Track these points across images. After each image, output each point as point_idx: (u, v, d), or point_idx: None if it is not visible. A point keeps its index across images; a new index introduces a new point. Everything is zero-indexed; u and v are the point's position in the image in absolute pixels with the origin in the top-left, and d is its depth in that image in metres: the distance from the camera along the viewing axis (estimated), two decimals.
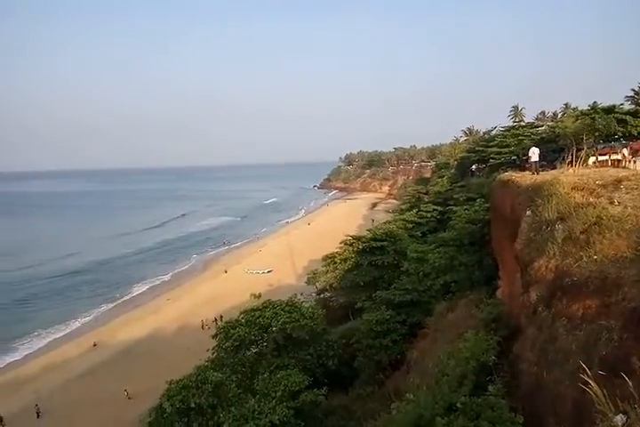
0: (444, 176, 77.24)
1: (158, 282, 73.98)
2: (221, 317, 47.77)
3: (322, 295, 43.13)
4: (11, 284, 71.96)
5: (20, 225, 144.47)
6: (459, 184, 60.03)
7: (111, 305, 62.90)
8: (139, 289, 70.24)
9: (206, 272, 78.10)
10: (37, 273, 79.03)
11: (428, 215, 50.59)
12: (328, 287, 42.52)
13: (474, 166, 65.16)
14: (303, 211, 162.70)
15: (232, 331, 22.80)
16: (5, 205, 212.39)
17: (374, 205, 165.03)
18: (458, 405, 9.00)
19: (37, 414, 34.34)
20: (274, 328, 22.30)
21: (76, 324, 55.90)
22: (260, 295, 51.24)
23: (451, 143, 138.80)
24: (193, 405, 14.79)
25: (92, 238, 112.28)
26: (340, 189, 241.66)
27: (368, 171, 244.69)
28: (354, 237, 40.20)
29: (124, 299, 65.56)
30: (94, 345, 47.81)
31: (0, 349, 48.37)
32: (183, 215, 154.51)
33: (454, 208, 37.01)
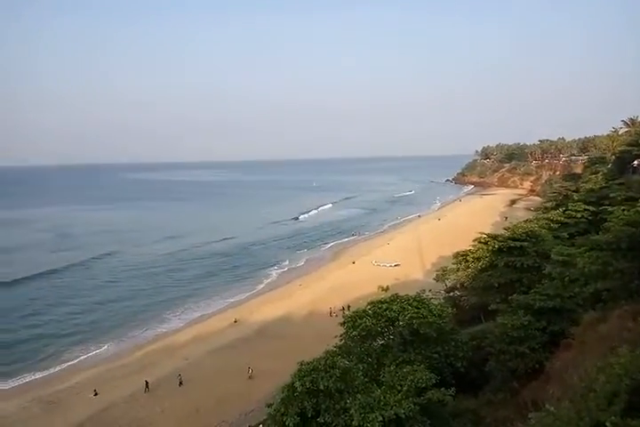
0: (598, 172, 69.56)
1: (292, 268, 78.45)
2: (349, 306, 48.96)
3: (451, 294, 41.75)
4: (169, 264, 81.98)
5: (189, 210, 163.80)
6: (616, 181, 53.51)
7: (250, 286, 68.30)
8: (275, 273, 75.32)
9: (335, 262, 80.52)
10: (193, 254, 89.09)
11: (578, 215, 45.86)
12: (458, 286, 41.05)
13: (636, 162, 57.62)
14: (433, 205, 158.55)
15: (359, 321, 23.19)
16: (170, 193, 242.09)
17: (513, 201, 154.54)
18: (607, 424, 8.17)
19: (180, 382, 38.17)
20: (400, 322, 22.20)
21: (219, 301, 61.77)
22: (387, 288, 51.30)
23: (608, 135, 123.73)
24: (322, 387, 15.41)
25: (243, 224, 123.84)
26: (475, 184, 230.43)
27: (507, 165, 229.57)
28: (489, 236, 38.10)
29: (261, 281, 70.76)
30: (235, 322, 52.38)
31: (158, 319, 55.50)
32: (319, 207, 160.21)
33: (610, 208, 33.10)
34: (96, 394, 37.45)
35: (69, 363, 44.59)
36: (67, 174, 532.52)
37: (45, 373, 42.70)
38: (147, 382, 37.70)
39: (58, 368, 43.62)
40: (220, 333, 49.61)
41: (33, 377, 41.85)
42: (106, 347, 47.88)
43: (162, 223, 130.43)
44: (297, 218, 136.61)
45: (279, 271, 76.42)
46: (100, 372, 41.74)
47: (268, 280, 71.25)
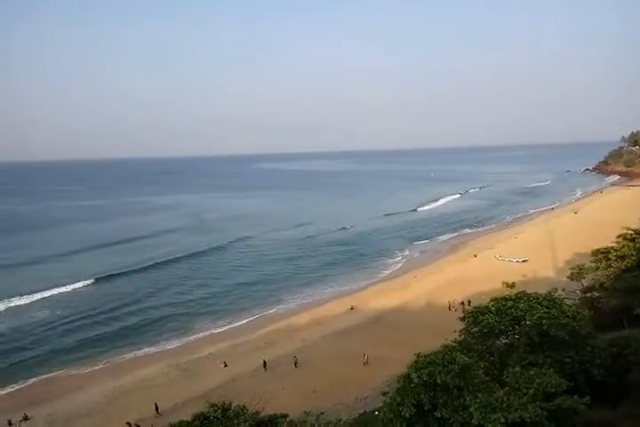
0: None
1: (409, 259, 77.41)
2: (469, 301, 47.07)
3: (589, 294, 37.81)
4: (293, 251, 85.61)
5: (311, 199, 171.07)
6: None
7: (367, 275, 68.90)
8: (391, 263, 74.97)
9: (455, 254, 77.67)
10: (314, 242, 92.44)
11: None
12: (597, 286, 37.04)
13: None
14: (569, 197, 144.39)
15: (481, 317, 22.15)
16: (296, 182, 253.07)
17: None
18: None
19: (295, 364, 39.87)
20: (527, 322, 20.75)
21: (337, 288, 63.34)
22: (513, 285, 48.33)
23: None
24: (439, 381, 15.07)
25: (361, 214, 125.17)
26: (621, 174, 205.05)
27: None
28: (637, 232, 33.83)
29: (378, 271, 70.95)
30: (351, 308, 53.37)
31: (280, 302, 58.53)
32: (440, 198, 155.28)
33: None
34: (225, 366, 40.94)
35: (201, 335, 49.25)
36: (206, 164, 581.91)
37: (181, 343, 47.66)
38: (265, 362, 40.01)
39: (192, 339, 48.44)
40: (337, 318, 50.89)
41: (171, 346, 47.01)
42: (233, 324, 51.93)
43: (288, 211, 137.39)
44: (415, 209, 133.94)
45: (395, 262, 75.92)
46: (228, 346, 45.45)
47: (385, 270, 71.16)
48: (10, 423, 33.67)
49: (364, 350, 39.91)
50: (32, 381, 40.44)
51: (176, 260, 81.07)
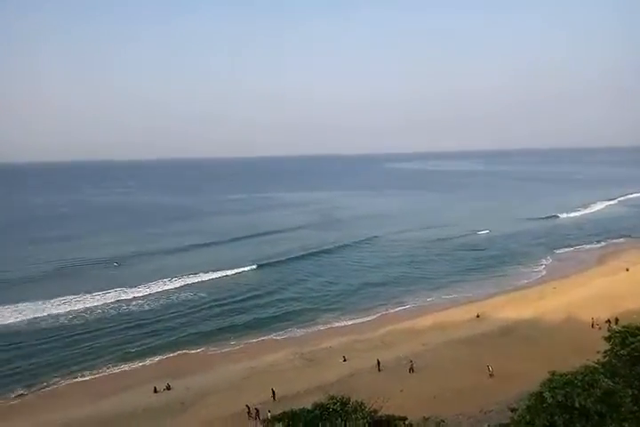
0: None
1: (547, 268, 71.36)
2: (616, 319, 41.97)
3: None
4: (421, 254, 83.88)
5: (440, 199, 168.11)
6: None
7: (497, 282, 65.23)
8: (526, 272, 69.89)
9: (603, 266, 69.73)
10: (442, 246, 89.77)
11: None
12: None
13: None
14: None
15: (631, 338, 19.56)
16: (419, 182, 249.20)
17: None
18: None
19: (411, 369, 38.72)
20: None
21: (463, 293, 60.79)
22: None
23: None
24: (577, 404, 13.68)
25: (496, 218, 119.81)
26: None
27: None
28: None
29: (509, 279, 66.65)
30: (477, 316, 50.75)
31: (403, 304, 58.02)
32: (589, 204, 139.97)
33: None
34: (345, 360, 41.70)
35: (324, 329, 50.84)
36: (333, 164, 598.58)
37: (305, 334, 49.71)
38: (378, 362, 39.70)
39: (315, 331, 50.26)
40: (461, 325, 48.79)
41: (296, 336, 49.26)
42: (354, 321, 52.66)
43: (416, 212, 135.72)
44: (559, 215, 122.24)
45: (532, 271, 70.44)
46: (348, 342, 46.20)
47: (519, 279, 66.44)
48: (155, 390, 38.05)
49: (490, 362, 37.65)
50: (175, 355, 45.28)
51: (306, 256, 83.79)
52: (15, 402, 37.28)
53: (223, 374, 40.65)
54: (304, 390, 35.75)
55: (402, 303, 57.96)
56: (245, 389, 37.42)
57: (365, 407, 17.83)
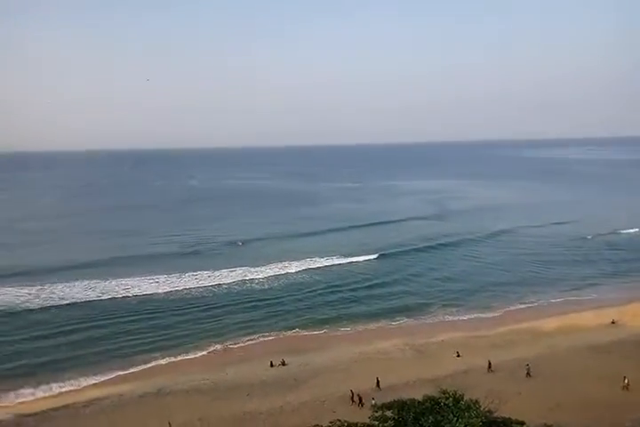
0: None
1: None
2: None
3: None
4: (555, 253, 77.19)
5: (573, 192, 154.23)
6: None
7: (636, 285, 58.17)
8: None
9: None
10: (574, 245, 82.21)
11: None
12: None
13: None
14: None
15: None
16: (548, 171, 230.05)
17: None
18: None
19: (527, 373, 36.01)
20: None
21: (598, 295, 55.43)
22: None
23: None
24: None
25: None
26: None
27: None
28: None
29: None
30: (612, 322, 45.90)
31: (525, 301, 54.61)
32: None
33: None
34: (458, 355, 40.39)
35: (438, 321, 49.84)
36: (454, 150, 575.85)
37: (418, 325, 49.03)
38: (489, 363, 37.68)
39: (429, 323, 49.47)
40: (592, 331, 44.44)
41: (408, 327, 48.85)
42: (471, 316, 50.82)
43: (542, 205, 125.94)
44: None
45: None
46: (463, 337, 44.65)
47: None
48: (271, 365, 40.45)
49: (626, 373, 33.85)
50: (291, 333, 47.65)
51: (425, 248, 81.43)
52: (149, 366, 41.92)
53: (334, 355, 41.78)
54: (412, 382, 35.48)
55: (527, 303, 54.42)
56: (353, 373, 38.03)
57: (480, 406, 17.20)
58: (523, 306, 53.55)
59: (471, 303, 54.67)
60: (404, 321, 50.17)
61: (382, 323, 49.76)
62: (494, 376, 36.57)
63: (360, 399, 32.65)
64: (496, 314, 51.39)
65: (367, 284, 62.86)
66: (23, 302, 55.82)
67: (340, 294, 58.65)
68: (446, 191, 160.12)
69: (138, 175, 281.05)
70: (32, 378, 38.31)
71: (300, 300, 56.91)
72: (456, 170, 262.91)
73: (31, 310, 53.65)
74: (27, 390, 36.52)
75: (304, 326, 49.01)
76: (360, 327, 48.71)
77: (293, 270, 68.25)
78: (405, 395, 21.09)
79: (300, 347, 44.19)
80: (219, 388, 36.49)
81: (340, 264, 71.80)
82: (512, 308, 53.05)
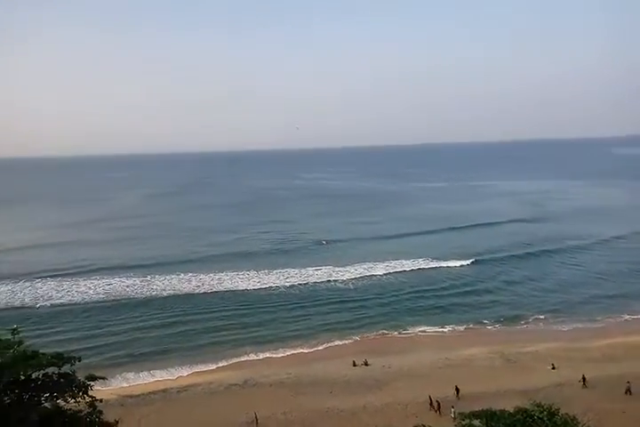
0: None
1: None
2: None
3: None
4: None
5: None
6: None
7: None
8: None
9: None
10: None
11: None
12: None
13: None
14: None
15: None
16: None
17: None
18: None
19: (627, 390, 32.98)
20: None
21: None
22: None
23: None
24: None
25: None
26: None
27: None
28: None
29: None
30: None
31: (627, 313, 49.91)
32: None
33: None
34: (553, 368, 37.76)
35: (531, 330, 47.07)
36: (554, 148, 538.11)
37: (509, 333, 46.62)
38: (584, 377, 34.82)
39: (521, 331, 46.84)
40: None
41: (498, 334, 46.61)
42: (569, 327, 47.44)
43: None
44: None
45: None
46: (559, 348, 41.89)
47: None
48: (354, 364, 40.49)
49: None
50: (375, 334, 47.49)
51: (521, 255, 75.76)
52: (237, 360, 43.75)
53: (418, 359, 40.95)
54: (499, 392, 33.74)
55: (632, 315, 49.71)
56: (436, 378, 37.05)
57: (578, 423, 15.90)
58: (628, 318, 49.10)
59: (571, 314, 50.91)
60: (494, 329, 48.02)
61: (471, 330, 47.99)
62: (591, 392, 33.86)
63: (438, 406, 31.86)
64: (597, 326, 47.55)
65: (457, 290, 60.06)
66: (129, 293, 60.96)
67: (428, 301, 56.60)
68: (545, 192, 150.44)
69: (254, 175, 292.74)
70: (133, 365, 41.97)
71: (385, 303, 56.22)
72: (550, 169, 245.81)
73: (136, 299, 58.54)
74: (129, 376, 40.06)
75: (388, 329, 48.52)
76: (447, 333, 47.40)
77: (380, 272, 67.36)
78: (488, 405, 20.08)
79: (384, 349, 43.83)
80: (302, 383, 37.26)
81: (429, 268, 69.53)
82: (615, 320, 48.82)
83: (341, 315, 52.59)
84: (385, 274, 66.69)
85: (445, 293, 59.16)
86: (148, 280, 65.52)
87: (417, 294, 58.57)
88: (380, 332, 47.80)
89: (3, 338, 20.48)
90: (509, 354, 40.99)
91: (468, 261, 71.53)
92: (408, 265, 70.34)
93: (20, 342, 20.28)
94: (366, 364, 40.51)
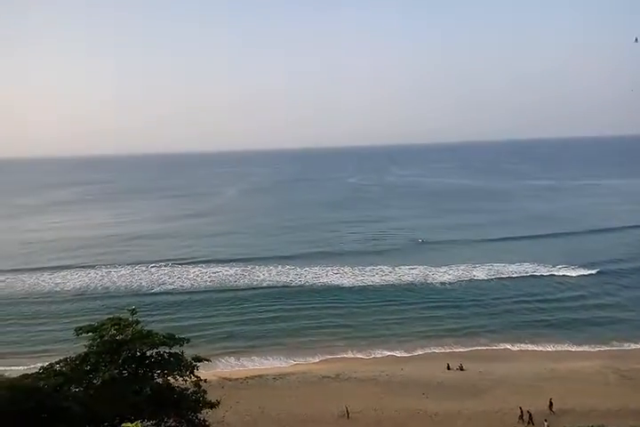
0: None
1: None
2: None
3: None
4: None
5: None
6: None
7: None
8: None
9: None
10: None
11: None
12: None
13: None
14: None
15: None
16: None
17: None
18: None
19: None
20: None
21: None
22: None
23: None
24: None
25: None
26: None
27: None
28: None
29: None
30: None
31: None
32: None
33: None
34: None
35: None
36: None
37: (622, 349, 42.36)
38: None
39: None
40: None
41: (612, 347, 42.70)
42: None
43: None
44: None
45: None
46: None
47: None
48: (448, 367, 39.25)
49: None
50: (474, 339, 45.62)
51: None
52: (332, 357, 44.63)
53: (519, 368, 38.71)
54: (609, 410, 30.99)
55: None
56: (537, 390, 34.62)
57: None
58: None
59: None
60: (611, 343, 43.81)
61: (583, 344, 44.03)
62: None
63: (530, 418, 30.02)
64: None
65: (572, 304, 54.36)
66: (232, 281, 64.63)
67: (536, 314, 51.89)
68: None
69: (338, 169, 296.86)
70: (233, 351, 44.67)
71: (486, 308, 53.44)
72: None
73: (238, 288, 61.98)
74: (229, 360, 42.85)
75: (488, 335, 46.41)
76: (552, 345, 44.08)
77: (481, 276, 63.90)
78: (597, 422, 18.39)
79: (482, 354, 42.16)
80: (393, 382, 36.93)
81: (539, 276, 63.89)
82: None
83: (438, 319, 50.89)
84: (487, 279, 62.63)
85: (558, 305, 53.83)
86: (248, 270, 69.00)
87: (524, 304, 54.23)
88: (478, 341, 45.44)
89: (122, 317, 22.86)
90: (627, 370, 37.21)
91: (587, 271, 64.37)
92: (514, 271, 65.41)
93: (137, 322, 22.48)
94: (461, 368, 39.11)
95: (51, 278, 68.84)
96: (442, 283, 61.73)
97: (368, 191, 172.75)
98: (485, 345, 44.56)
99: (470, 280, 62.61)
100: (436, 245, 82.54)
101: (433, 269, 66.83)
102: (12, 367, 38.38)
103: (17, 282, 67.76)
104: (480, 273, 64.99)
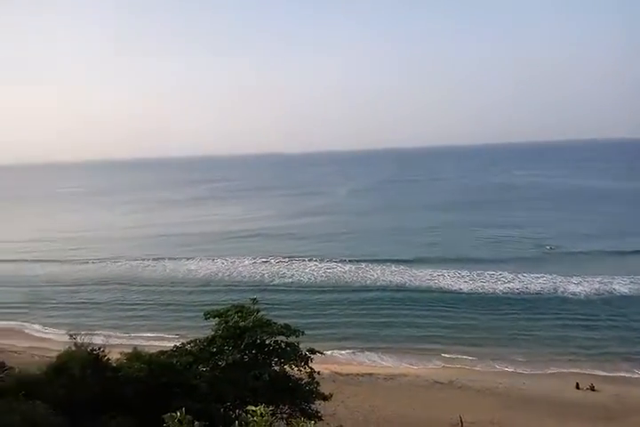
0: None
1: None
2: None
3: None
4: None
5: None
6: None
7: None
8: None
9: None
10: None
11: None
12: None
13: None
14: None
15: None
16: None
17: None
18: None
19: None
20: None
21: None
22: None
23: None
24: None
25: None
26: None
27: None
28: None
29: None
30: None
31: None
32: None
33: None
34: None
35: None
36: None
37: None
38: None
39: None
40: None
41: None
42: None
43: None
44: None
45: None
46: None
47: None
48: (577, 387, 35.78)
49: None
50: (610, 358, 41.26)
51: None
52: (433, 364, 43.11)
53: None
54: None
55: None
56: None
57: None
58: None
59: None
60: None
61: None
62: None
63: None
64: None
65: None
66: (346, 278, 65.62)
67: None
68: None
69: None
70: (345, 347, 45.36)
71: (628, 328, 47.25)
72: None
73: (352, 286, 62.59)
74: (341, 356, 43.64)
75: (629, 356, 41.25)
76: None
77: (623, 289, 56.45)
78: None
79: (616, 375, 37.62)
80: (512, 396, 34.66)
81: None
82: None
83: (570, 335, 46.10)
84: (630, 294, 55.15)
85: None
86: (362, 268, 69.52)
87: None
88: (616, 363, 40.45)
89: (245, 305, 24.43)
90: None
91: None
92: None
93: (258, 311, 23.87)
94: (592, 389, 35.40)
95: (185, 265, 76.82)
96: (576, 294, 55.90)
97: (483, 192, 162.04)
98: (625, 371, 39.45)
99: (610, 294, 55.72)
100: (568, 254, 74.86)
101: (563, 278, 60.67)
102: (152, 343, 43.21)
103: (159, 267, 77.16)
104: (622, 287, 57.33)
